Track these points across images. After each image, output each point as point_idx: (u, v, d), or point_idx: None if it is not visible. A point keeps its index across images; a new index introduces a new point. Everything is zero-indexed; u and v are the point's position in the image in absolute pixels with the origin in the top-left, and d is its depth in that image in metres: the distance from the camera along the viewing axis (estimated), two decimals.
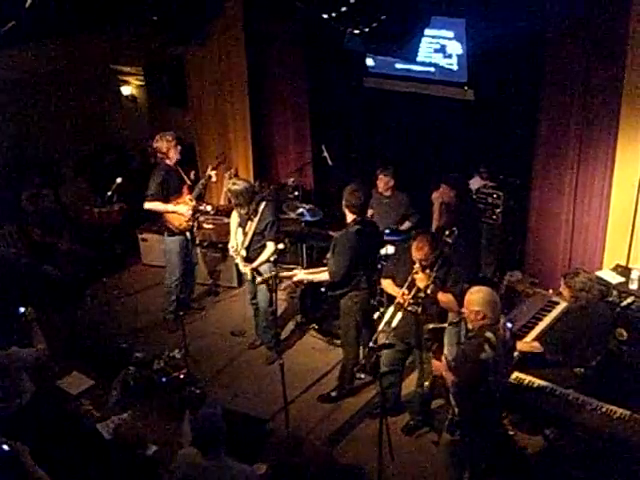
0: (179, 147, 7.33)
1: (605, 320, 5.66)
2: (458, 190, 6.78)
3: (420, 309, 5.42)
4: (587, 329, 5.52)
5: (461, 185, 7.00)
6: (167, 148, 7.24)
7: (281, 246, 6.60)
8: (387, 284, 5.91)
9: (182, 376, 6.52)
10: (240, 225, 6.88)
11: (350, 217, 6.09)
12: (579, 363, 5.52)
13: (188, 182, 7.43)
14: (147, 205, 7.33)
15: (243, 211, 6.70)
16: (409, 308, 5.44)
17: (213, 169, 7.63)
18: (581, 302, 5.57)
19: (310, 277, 6.45)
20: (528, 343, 5.76)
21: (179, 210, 7.34)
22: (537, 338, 5.91)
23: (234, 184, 6.67)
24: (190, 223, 7.42)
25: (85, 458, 5.13)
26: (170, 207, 7.31)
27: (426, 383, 5.61)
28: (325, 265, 6.35)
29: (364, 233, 6.09)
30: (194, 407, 5.67)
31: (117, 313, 7.93)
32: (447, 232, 5.71)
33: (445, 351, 5.97)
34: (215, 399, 6.40)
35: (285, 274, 6.69)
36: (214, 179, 7.69)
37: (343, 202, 6.08)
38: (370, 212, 7.70)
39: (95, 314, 7.90)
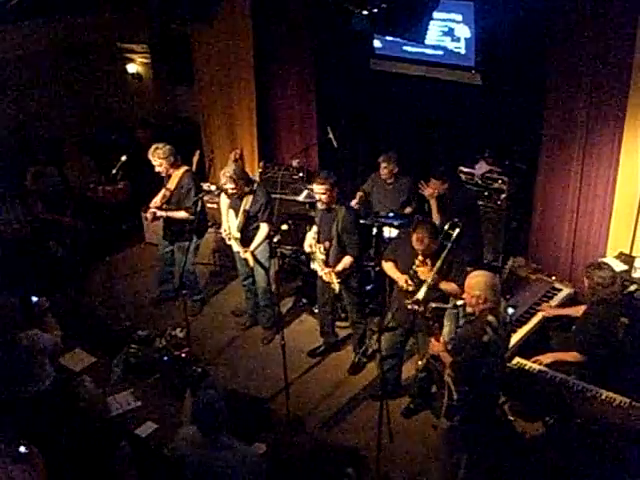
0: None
1: (617, 318, 5.64)
2: (449, 181, 6.74)
3: (420, 308, 5.38)
4: (601, 326, 5.50)
5: (451, 175, 6.94)
6: None
7: (284, 227, 6.60)
8: (389, 267, 5.93)
9: (184, 355, 6.53)
10: (232, 208, 6.87)
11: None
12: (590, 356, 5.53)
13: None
14: None
15: (247, 189, 6.69)
16: (409, 306, 5.42)
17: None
18: (597, 297, 5.53)
19: (342, 266, 6.36)
20: (566, 354, 5.65)
21: None
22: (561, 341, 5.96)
23: (227, 172, 6.60)
24: None
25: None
26: None
27: (419, 362, 5.62)
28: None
29: None
30: (195, 386, 5.70)
31: (120, 291, 7.95)
32: (450, 225, 5.68)
33: (444, 332, 5.97)
34: (215, 379, 6.43)
35: (334, 286, 6.43)
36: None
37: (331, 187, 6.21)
38: (359, 194, 7.72)
39: (98, 292, 7.94)
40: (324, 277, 6.40)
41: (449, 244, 5.54)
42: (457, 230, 5.63)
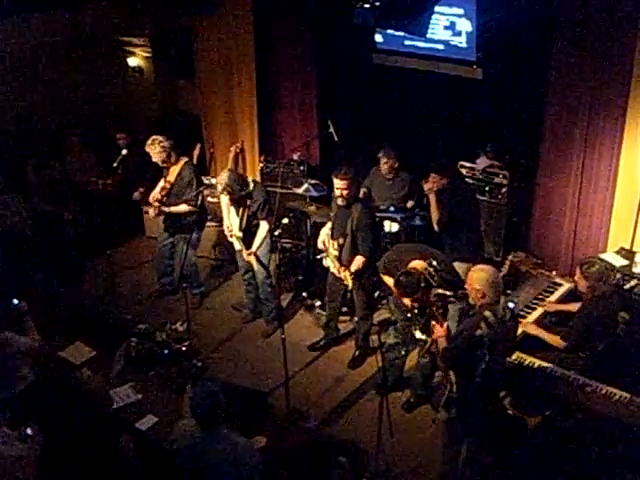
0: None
1: (616, 310, 5.62)
2: (448, 176, 6.71)
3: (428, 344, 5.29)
4: (601, 319, 5.48)
5: (450, 170, 6.92)
6: None
7: (285, 221, 6.60)
8: (389, 282, 5.79)
9: (184, 348, 6.54)
10: (232, 205, 6.87)
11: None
12: (589, 350, 5.52)
13: None
14: None
15: (243, 193, 6.67)
16: (417, 335, 5.33)
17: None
18: (598, 292, 5.52)
19: (355, 267, 6.30)
20: (552, 337, 5.66)
21: None
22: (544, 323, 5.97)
23: (221, 182, 6.55)
24: None
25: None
26: None
27: (424, 360, 5.60)
28: None
29: None
30: (196, 380, 5.70)
31: (120, 285, 7.95)
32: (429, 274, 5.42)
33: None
34: (216, 372, 6.44)
35: (348, 282, 6.38)
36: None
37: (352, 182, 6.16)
38: (363, 190, 7.70)
39: (98, 285, 7.94)
40: (337, 274, 6.38)
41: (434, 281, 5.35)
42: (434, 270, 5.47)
